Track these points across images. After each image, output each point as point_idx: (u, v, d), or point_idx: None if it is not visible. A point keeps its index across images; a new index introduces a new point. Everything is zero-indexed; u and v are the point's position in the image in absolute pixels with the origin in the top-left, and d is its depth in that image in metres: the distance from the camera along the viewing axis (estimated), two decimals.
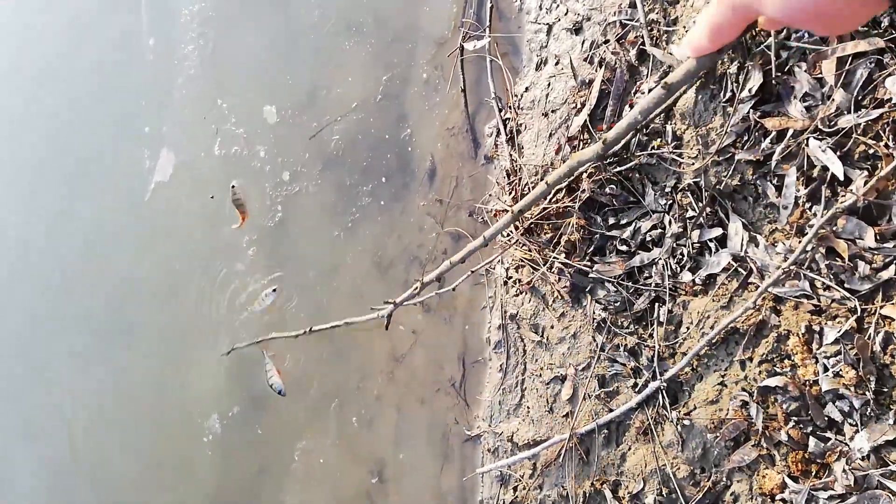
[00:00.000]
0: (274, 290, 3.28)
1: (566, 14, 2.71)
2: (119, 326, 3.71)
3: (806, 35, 1.98)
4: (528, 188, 2.71)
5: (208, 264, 3.48)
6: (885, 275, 1.84)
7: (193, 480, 3.46)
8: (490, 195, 2.94)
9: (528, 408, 2.73)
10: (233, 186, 3.36)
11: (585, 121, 2.55)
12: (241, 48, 3.63)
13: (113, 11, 4.00)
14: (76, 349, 3.81)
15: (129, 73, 3.88)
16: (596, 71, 2.55)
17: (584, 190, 2.45)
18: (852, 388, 1.87)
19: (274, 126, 3.43)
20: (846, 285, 1.92)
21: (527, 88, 2.82)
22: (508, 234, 2.72)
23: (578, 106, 2.60)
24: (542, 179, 2.61)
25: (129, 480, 3.66)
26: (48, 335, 3.90)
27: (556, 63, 2.72)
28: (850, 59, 1.89)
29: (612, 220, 2.48)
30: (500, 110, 2.91)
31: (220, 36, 3.68)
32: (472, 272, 2.79)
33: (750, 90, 2.06)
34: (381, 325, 2.55)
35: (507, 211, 2.00)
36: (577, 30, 2.66)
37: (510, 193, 2.77)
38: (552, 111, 2.71)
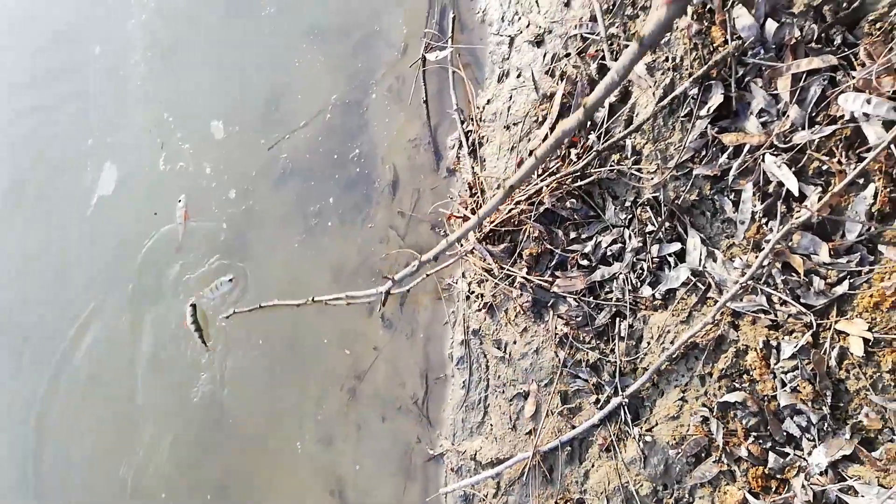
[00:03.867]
0: (231, 280, 3.20)
1: (528, 26, 2.71)
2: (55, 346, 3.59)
3: (762, 51, 1.99)
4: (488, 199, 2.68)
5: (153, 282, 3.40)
6: (839, 290, 1.85)
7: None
8: (450, 208, 2.91)
9: (491, 425, 2.68)
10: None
11: (546, 133, 2.53)
12: (190, 61, 3.56)
13: (57, 19, 3.91)
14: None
15: (73, 83, 3.78)
16: (557, 84, 2.54)
17: (541, 202, 2.43)
18: (809, 403, 1.87)
19: (221, 141, 3.37)
20: (802, 300, 1.92)
21: (489, 101, 2.80)
22: (464, 242, 2.69)
23: (540, 119, 2.58)
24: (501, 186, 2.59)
25: None
26: None
27: (518, 75, 2.71)
28: (805, 75, 1.91)
29: (573, 235, 2.46)
30: (462, 122, 2.88)
31: (168, 49, 3.63)
32: (427, 276, 2.75)
33: (709, 109, 2.07)
34: (342, 339, 2.49)
35: (468, 217, 1.97)
36: (538, 42, 2.65)
37: (469, 207, 2.74)
38: (514, 124, 2.69)
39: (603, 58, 2.38)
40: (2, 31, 4.04)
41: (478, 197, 2.77)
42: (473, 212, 2.70)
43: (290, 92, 3.30)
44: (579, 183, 2.40)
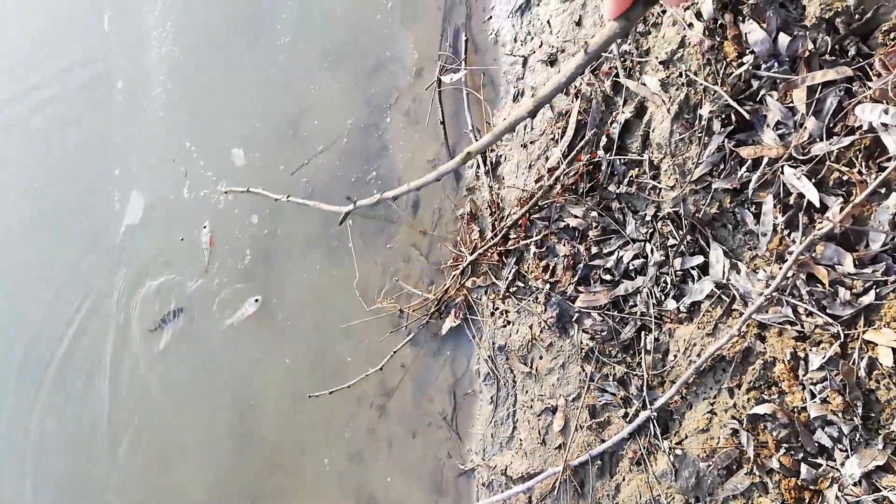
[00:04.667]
0: (256, 301, 3.28)
1: (540, 46, 2.74)
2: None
3: (776, 64, 2.00)
4: (509, 218, 2.71)
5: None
6: (865, 300, 1.85)
7: None
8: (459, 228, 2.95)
9: (520, 440, 2.71)
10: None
11: (564, 151, 2.56)
12: (209, 90, 3.65)
13: (82, 54, 4.02)
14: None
15: (98, 116, 3.90)
16: (572, 102, 2.56)
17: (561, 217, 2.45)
18: (840, 414, 1.87)
19: (242, 168, 3.45)
20: (828, 311, 1.93)
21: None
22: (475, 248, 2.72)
23: (556, 137, 2.61)
24: (522, 207, 2.63)
25: None
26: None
27: (533, 95, 2.74)
28: (820, 87, 1.92)
29: (594, 250, 2.48)
30: None
31: (188, 79, 3.72)
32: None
33: (724, 125, 2.09)
34: (368, 358, 2.54)
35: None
36: (551, 62, 2.68)
37: (492, 228, 2.77)
38: (531, 142, 2.72)
39: (617, 75, 2.40)
40: (21, 64, 4.17)
41: (496, 213, 2.81)
42: (495, 234, 2.74)
43: (308, 118, 3.36)
44: (598, 199, 2.43)
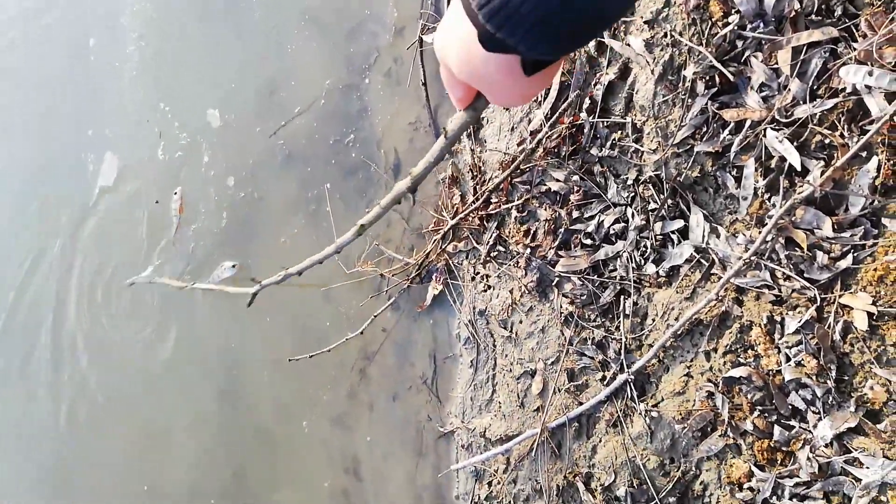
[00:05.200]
0: (234, 266, 3.24)
1: None
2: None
3: (761, 24, 1.97)
4: (491, 182, 2.68)
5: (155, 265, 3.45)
6: (842, 264, 1.86)
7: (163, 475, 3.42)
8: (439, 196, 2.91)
9: (499, 403, 2.72)
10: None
11: (547, 113, 2.52)
12: (184, 49, 3.54)
13: (51, 12, 3.89)
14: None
15: (70, 75, 3.78)
16: None
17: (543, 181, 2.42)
18: (814, 377, 1.89)
19: (217, 129, 3.37)
20: (806, 275, 1.93)
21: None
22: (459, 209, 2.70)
23: (539, 99, 2.57)
24: (504, 172, 2.59)
25: None
26: None
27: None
28: (805, 48, 1.89)
29: (576, 214, 2.46)
30: None
31: (162, 37, 3.60)
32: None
33: (707, 87, 2.06)
34: (351, 322, 2.52)
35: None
36: None
37: (473, 192, 2.74)
38: None
39: (601, 35, 2.35)
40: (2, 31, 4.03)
41: (478, 177, 2.78)
42: (477, 197, 2.71)
43: (285, 78, 3.28)
44: (580, 161, 2.40)
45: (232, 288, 2.50)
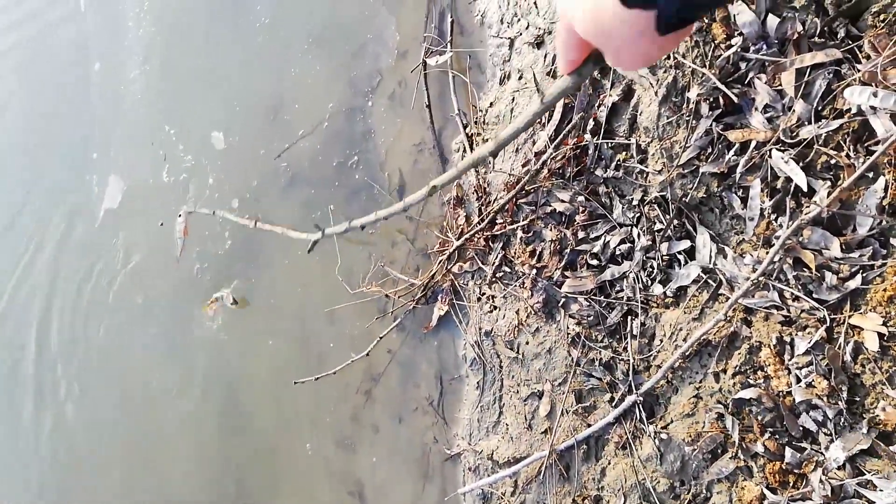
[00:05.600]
0: (235, 303, 3.24)
1: (527, 28, 2.69)
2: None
3: (764, 46, 1.98)
4: (496, 203, 2.69)
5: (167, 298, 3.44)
6: (851, 284, 1.85)
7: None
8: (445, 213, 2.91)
9: (506, 425, 2.71)
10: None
11: (551, 135, 2.53)
12: (188, 73, 3.58)
13: (57, 36, 3.93)
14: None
15: (75, 99, 3.81)
16: None
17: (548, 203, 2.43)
18: (825, 399, 1.88)
19: (222, 152, 3.39)
20: (814, 295, 1.92)
21: (491, 104, 2.80)
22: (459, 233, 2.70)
23: (544, 120, 2.58)
24: (509, 192, 2.60)
25: None
26: None
27: (520, 77, 2.70)
28: (809, 70, 1.90)
29: (581, 235, 2.46)
30: (464, 126, 2.88)
31: (166, 61, 3.64)
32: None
33: (712, 108, 2.07)
34: (354, 344, 2.50)
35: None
36: (538, 44, 2.64)
37: (478, 213, 2.74)
38: None
39: None
40: (9, 56, 4.07)
41: (483, 198, 2.78)
42: (483, 219, 2.71)
43: (289, 101, 3.30)
44: (585, 182, 2.40)
45: (295, 233, 2.44)
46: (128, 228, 3.60)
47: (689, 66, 2.11)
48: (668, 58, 2.17)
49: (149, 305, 3.48)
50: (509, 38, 2.76)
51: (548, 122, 2.53)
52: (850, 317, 1.85)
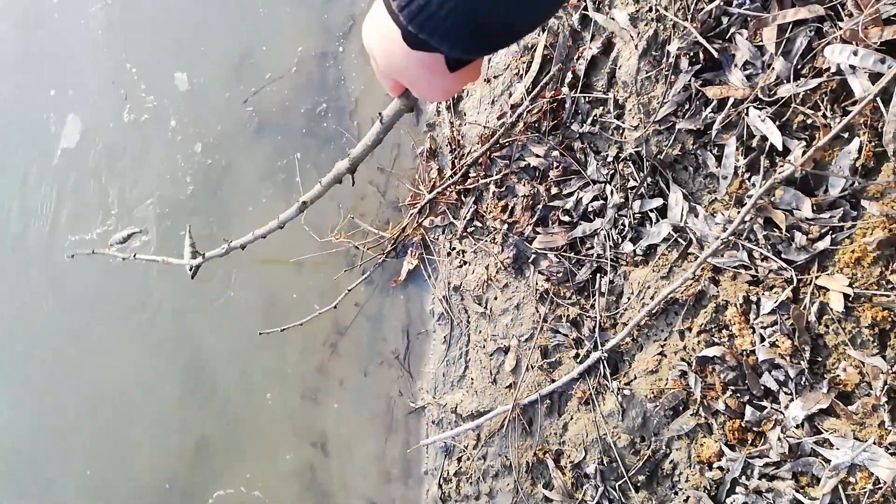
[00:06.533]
0: (128, 236, 3.16)
1: None
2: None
3: (748, 1, 1.94)
4: (470, 156, 2.63)
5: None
6: (820, 245, 1.85)
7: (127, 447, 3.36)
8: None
9: (471, 379, 2.70)
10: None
11: (528, 87, 2.47)
12: (152, 9, 3.40)
13: None
14: None
15: (33, 33, 3.61)
16: (538, 36, 2.46)
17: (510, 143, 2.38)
18: (788, 358, 1.90)
19: (185, 93, 3.25)
20: (783, 256, 1.93)
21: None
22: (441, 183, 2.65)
23: (521, 72, 2.51)
24: (483, 146, 2.54)
25: None
26: None
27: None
28: (791, 26, 1.86)
29: (554, 191, 2.43)
30: None
31: None
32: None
33: (691, 63, 2.02)
34: (322, 297, 2.45)
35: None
36: None
37: (451, 166, 2.68)
38: (494, 77, 2.62)
39: (585, 7, 2.30)
40: None
41: (456, 151, 2.72)
42: (455, 171, 2.66)
43: (256, 44, 3.16)
44: (561, 138, 2.36)
45: (175, 259, 2.37)
46: (82, 171, 3.45)
47: (671, 19, 2.06)
48: (650, 10, 2.12)
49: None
50: None
51: (526, 72, 2.47)
52: (817, 278, 1.86)
